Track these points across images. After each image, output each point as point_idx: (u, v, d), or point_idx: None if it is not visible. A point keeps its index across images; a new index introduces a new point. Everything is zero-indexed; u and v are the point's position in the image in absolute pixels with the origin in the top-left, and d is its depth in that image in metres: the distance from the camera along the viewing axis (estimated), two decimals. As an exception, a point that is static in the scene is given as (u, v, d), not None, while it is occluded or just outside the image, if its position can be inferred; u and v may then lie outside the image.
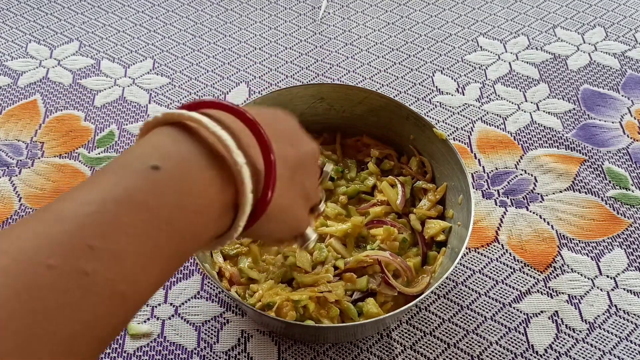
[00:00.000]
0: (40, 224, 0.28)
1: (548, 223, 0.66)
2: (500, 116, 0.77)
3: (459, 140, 0.74)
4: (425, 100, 0.79)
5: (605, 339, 0.58)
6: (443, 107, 0.78)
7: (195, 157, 0.33)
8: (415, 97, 0.79)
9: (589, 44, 0.86)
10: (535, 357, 0.57)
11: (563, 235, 0.65)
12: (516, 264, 0.63)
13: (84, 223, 0.28)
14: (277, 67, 0.83)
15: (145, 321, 0.59)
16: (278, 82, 0.81)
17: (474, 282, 0.62)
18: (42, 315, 0.25)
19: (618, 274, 0.63)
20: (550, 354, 0.57)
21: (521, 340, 0.58)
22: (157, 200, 0.31)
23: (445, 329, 0.59)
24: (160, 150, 0.33)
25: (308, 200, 0.44)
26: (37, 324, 0.25)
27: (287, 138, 0.41)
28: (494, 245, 0.65)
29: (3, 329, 0.24)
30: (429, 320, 0.59)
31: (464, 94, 0.79)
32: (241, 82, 0.81)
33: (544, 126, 0.76)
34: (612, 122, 0.77)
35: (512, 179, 0.70)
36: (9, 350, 0.24)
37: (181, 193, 0.32)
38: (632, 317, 0.59)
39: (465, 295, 0.61)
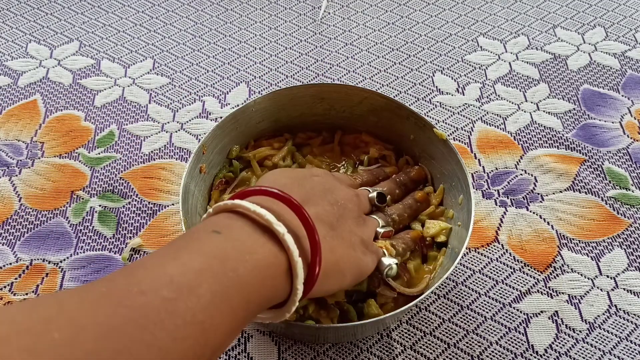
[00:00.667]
0: (149, 277, 0.33)
1: (548, 223, 0.66)
2: (500, 116, 0.77)
3: (459, 140, 0.74)
4: (425, 100, 0.79)
5: (605, 339, 0.58)
6: (443, 107, 0.78)
7: (247, 227, 0.39)
8: (415, 97, 0.79)
9: (589, 44, 0.86)
10: (535, 357, 0.57)
11: (563, 235, 0.65)
12: (516, 264, 0.63)
13: (186, 290, 0.33)
14: (277, 67, 0.83)
15: (145, 321, 0.59)
16: (278, 82, 0.81)
17: (474, 282, 0.62)
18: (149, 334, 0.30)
19: (618, 274, 0.63)
20: (550, 354, 0.57)
21: (521, 340, 0.58)
22: (219, 252, 0.36)
23: (446, 329, 0.59)
24: (218, 224, 0.39)
25: (358, 241, 0.48)
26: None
27: (320, 194, 0.47)
28: (494, 245, 0.65)
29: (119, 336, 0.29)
30: (429, 320, 0.59)
31: (464, 94, 0.79)
32: (241, 82, 0.81)
33: (544, 126, 0.76)
34: (612, 122, 0.77)
35: (512, 179, 0.70)
36: (119, 349, 0.28)
37: (240, 250, 0.37)
38: (632, 317, 0.59)
39: (465, 295, 0.61)
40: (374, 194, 0.56)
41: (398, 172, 0.64)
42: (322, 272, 0.41)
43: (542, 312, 0.60)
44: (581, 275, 0.63)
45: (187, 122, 0.76)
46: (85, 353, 0.27)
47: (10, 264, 0.62)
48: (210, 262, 0.35)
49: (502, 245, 0.65)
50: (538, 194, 0.69)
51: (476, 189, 0.69)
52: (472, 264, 0.63)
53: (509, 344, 0.58)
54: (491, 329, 0.59)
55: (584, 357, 0.57)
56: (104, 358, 0.28)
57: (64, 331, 0.27)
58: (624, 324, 0.59)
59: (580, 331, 0.59)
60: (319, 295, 0.45)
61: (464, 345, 0.58)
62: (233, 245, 0.37)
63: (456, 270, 0.63)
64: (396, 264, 0.51)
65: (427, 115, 0.77)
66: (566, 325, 0.59)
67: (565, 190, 0.69)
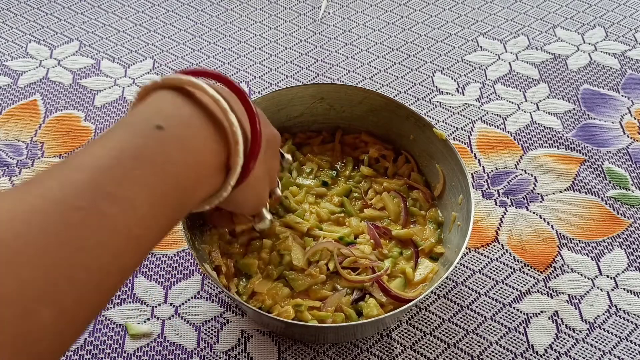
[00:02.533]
0: (63, 174, 0.31)
1: (548, 223, 0.66)
2: (500, 116, 0.77)
3: (459, 140, 0.74)
4: (425, 100, 0.79)
5: (605, 339, 0.58)
6: (443, 107, 0.78)
7: (194, 119, 0.37)
8: (415, 97, 0.79)
9: (589, 44, 0.86)
10: (535, 357, 0.57)
11: (563, 235, 0.65)
12: (516, 264, 0.63)
13: (102, 173, 0.32)
14: (277, 67, 0.83)
15: (145, 321, 0.59)
16: (278, 82, 0.81)
17: (474, 282, 0.62)
18: (75, 249, 0.29)
19: (618, 274, 0.63)
20: (550, 354, 0.57)
21: (521, 340, 0.58)
22: (162, 157, 0.35)
23: (445, 329, 0.59)
24: (163, 112, 0.37)
25: (272, 179, 0.48)
26: (72, 256, 0.29)
27: (262, 117, 0.45)
28: (494, 245, 0.65)
29: (42, 257, 0.27)
30: (429, 320, 0.59)
31: (464, 94, 0.79)
32: (241, 82, 0.81)
33: (544, 126, 0.76)
34: (612, 122, 0.77)
35: (512, 179, 0.70)
36: (50, 278, 0.27)
37: (183, 151, 0.36)
38: (632, 317, 0.59)
39: (465, 295, 0.61)
40: (289, 158, 0.55)
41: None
42: (249, 178, 0.40)
43: (542, 312, 0.60)
44: (581, 275, 0.63)
45: (187, 122, 0.76)
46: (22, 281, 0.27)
47: (10, 264, 0.62)
48: (151, 169, 0.34)
49: (502, 245, 0.65)
50: (538, 194, 0.69)
51: (476, 189, 0.69)
52: (472, 264, 0.63)
53: (509, 344, 0.58)
54: (491, 329, 0.59)
55: (584, 357, 0.57)
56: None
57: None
58: (624, 324, 0.59)
59: (580, 331, 0.59)
60: (232, 208, 0.46)
61: (464, 345, 0.58)
62: (176, 145, 0.36)
63: (456, 270, 0.63)
64: (271, 221, 0.53)
65: (427, 115, 0.77)
66: (566, 325, 0.59)
67: (565, 190, 0.69)
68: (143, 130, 0.35)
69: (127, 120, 0.36)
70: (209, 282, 0.61)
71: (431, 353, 0.57)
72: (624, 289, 0.62)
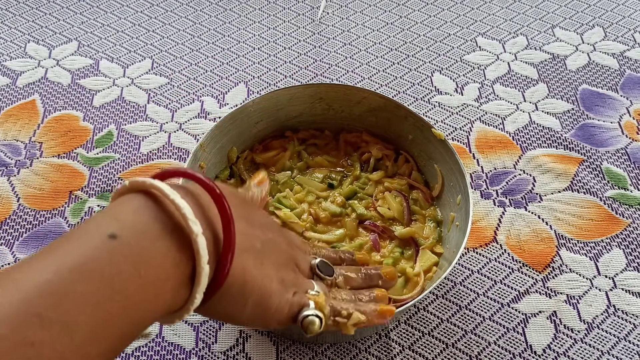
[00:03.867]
0: None
1: (546, 223, 0.66)
2: (498, 116, 0.77)
3: (458, 140, 0.74)
4: (424, 100, 0.79)
5: (603, 339, 0.58)
6: (442, 107, 0.78)
7: (153, 226, 0.33)
8: (414, 97, 0.79)
9: (588, 44, 0.86)
10: (533, 357, 0.57)
11: (561, 235, 0.65)
12: (514, 264, 0.63)
13: (37, 291, 0.28)
14: (276, 67, 0.83)
15: (143, 321, 0.59)
16: (277, 82, 0.81)
17: (472, 282, 0.62)
18: None
19: (616, 274, 0.63)
20: (549, 354, 0.57)
21: (519, 340, 0.58)
22: (112, 270, 0.31)
23: (444, 329, 0.59)
24: (120, 219, 0.33)
25: (279, 278, 0.41)
26: None
27: (257, 223, 0.41)
28: (493, 246, 0.65)
29: None
30: (427, 321, 0.59)
31: (462, 94, 0.79)
32: (240, 82, 0.81)
33: (543, 126, 0.76)
34: (611, 122, 0.77)
35: (511, 179, 0.70)
36: None
37: (136, 263, 0.32)
38: (631, 317, 0.59)
39: (463, 295, 0.61)
40: (318, 261, 0.47)
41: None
42: (224, 287, 0.36)
43: (540, 312, 0.60)
44: (579, 275, 0.63)
45: (186, 122, 0.76)
46: None
47: (9, 264, 0.62)
48: (96, 285, 0.30)
49: (500, 245, 0.65)
50: (536, 194, 0.69)
51: (474, 189, 0.69)
52: (471, 264, 0.63)
53: (507, 344, 0.58)
54: (489, 329, 0.59)
55: (582, 357, 0.57)
56: None
57: None
58: (622, 324, 0.59)
59: (578, 331, 0.59)
60: (210, 316, 0.40)
61: (463, 345, 0.58)
62: (128, 256, 0.31)
63: (454, 270, 0.63)
64: (320, 318, 0.42)
65: (426, 115, 0.77)
66: (564, 325, 0.59)
67: (563, 190, 0.69)
68: (94, 239, 0.31)
69: (81, 228, 0.33)
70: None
71: (429, 353, 0.57)
72: (623, 289, 0.62)
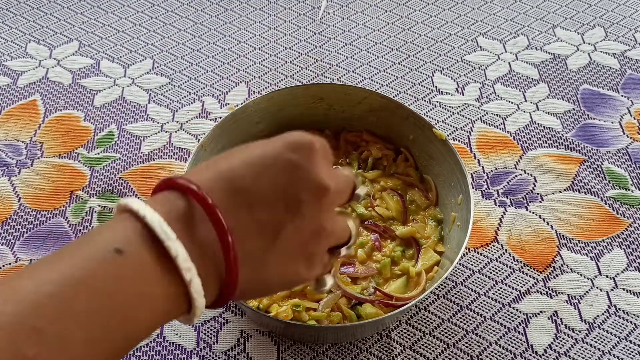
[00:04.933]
0: None
1: (547, 223, 0.66)
2: (499, 116, 0.77)
3: (459, 140, 0.74)
4: (424, 100, 0.79)
5: (604, 339, 0.58)
6: (442, 107, 0.78)
7: (149, 246, 0.32)
8: (414, 97, 0.79)
9: (589, 44, 0.86)
10: (534, 357, 0.57)
11: (562, 235, 0.65)
12: (516, 264, 0.63)
13: (35, 303, 0.28)
14: (277, 67, 0.83)
15: (144, 321, 0.59)
16: (278, 82, 0.81)
17: (473, 282, 0.62)
18: None
19: (617, 274, 0.63)
20: (550, 354, 0.57)
21: (520, 340, 0.58)
22: (115, 285, 0.30)
23: (445, 329, 0.59)
24: (127, 233, 0.32)
25: (305, 257, 0.39)
26: None
27: (275, 192, 0.36)
28: (494, 245, 0.65)
29: None
30: (428, 321, 0.59)
31: (463, 94, 0.79)
32: (241, 82, 0.81)
33: (544, 126, 0.76)
34: (612, 122, 0.77)
35: (512, 179, 0.70)
36: None
37: (140, 280, 0.31)
38: (632, 317, 0.59)
39: (464, 295, 0.61)
40: (364, 192, 0.45)
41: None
42: (238, 291, 0.35)
43: (541, 312, 0.60)
44: (580, 275, 0.63)
45: (187, 122, 0.76)
46: None
47: (10, 264, 0.62)
48: (98, 300, 0.29)
49: (501, 245, 0.65)
50: (537, 194, 0.69)
51: (475, 189, 0.69)
52: (472, 264, 0.63)
53: (509, 344, 0.58)
54: (491, 329, 0.59)
55: (583, 357, 0.57)
56: None
57: None
58: (623, 324, 0.59)
59: (579, 331, 0.59)
60: (246, 297, 0.41)
61: (464, 345, 0.58)
62: (134, 272, 0.31)
63: (455, 270, 0.63)
64: (331, 284, 0.44)
65: (427, 115, 0.77)
66: (565, 325, 0.59)
67: (564, 190, 0.69)
68: (98, 252, 0.31)
69: (87, 238, 0.32)
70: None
71: (430, 353, 0.57)
72: (624, 289, 0.62)
